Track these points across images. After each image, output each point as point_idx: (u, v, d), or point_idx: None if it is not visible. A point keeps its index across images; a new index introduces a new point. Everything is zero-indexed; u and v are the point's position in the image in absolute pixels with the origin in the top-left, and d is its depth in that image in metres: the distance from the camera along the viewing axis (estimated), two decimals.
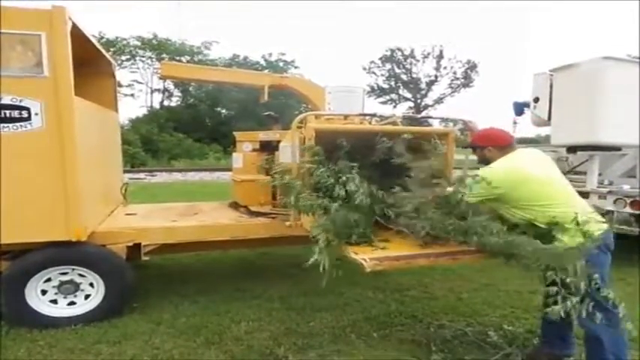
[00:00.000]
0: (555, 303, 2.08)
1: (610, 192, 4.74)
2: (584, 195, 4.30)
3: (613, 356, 2.34)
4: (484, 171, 2.53)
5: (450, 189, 2.66)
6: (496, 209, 2.59)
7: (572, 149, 5.17)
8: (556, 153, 5.61)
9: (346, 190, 2.68)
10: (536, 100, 5.22)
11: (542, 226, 2.38)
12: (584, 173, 5.17)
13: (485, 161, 2.68)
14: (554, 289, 2.09)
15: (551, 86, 5.02)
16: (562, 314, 2.06)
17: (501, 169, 2.50)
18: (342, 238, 2.50)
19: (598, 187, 4.94)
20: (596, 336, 2.35)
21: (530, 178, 2.43)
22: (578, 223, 2.29)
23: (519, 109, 5.86)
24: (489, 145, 2.67)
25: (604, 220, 2.48)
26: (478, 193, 2.49)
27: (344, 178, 2.72)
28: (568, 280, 2.08)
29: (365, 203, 2.61)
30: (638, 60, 4.72)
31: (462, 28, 57.62)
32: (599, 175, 5.13)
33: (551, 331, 2.80)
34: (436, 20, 66.21)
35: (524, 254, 2.17)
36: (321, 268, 2.27)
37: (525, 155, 2.64)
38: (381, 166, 3.07)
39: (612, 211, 4.64)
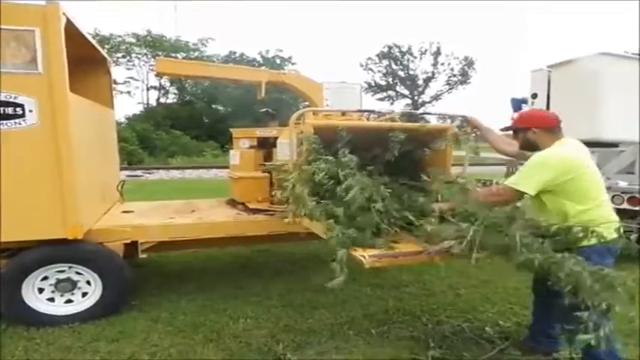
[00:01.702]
0: (585, 331, 1.86)
1: (609, 188, 4.74)
2: None
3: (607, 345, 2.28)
4: (540, 155, 2.30)
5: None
6: (535, 204, 2.39)
7: None
8: None
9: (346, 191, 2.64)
10: (534, 96, 5.22)
11: (577, 227, 2.20)
12: None
13: (529, 146, 2.45)
14: (585, 314, 1.86)
15: (548, 82, 5.02)
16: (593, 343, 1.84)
17: (560, 155, 2.27)
18: (360, 246, 2.38)
19: None
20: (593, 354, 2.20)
21: (587, 170, 2.27)
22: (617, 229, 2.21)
23: (517, 105, 5.86)
24: (534, 127, 2.41)
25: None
26: (536, 180, 2.24)
27: (350, 179, 2.64)
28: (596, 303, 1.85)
29: (382, 208, 2.48)
30: (635, 56, 4.73)
31: (459, 24, 57.58)
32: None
33: (539, 327, 2.80)
34: (433, 17, 66.24)
35: (566, 276, 1.93)
36: (336, 281, 2.19)
37: (577, 144, 2.43)
38: (383, 163, 3.07)
39: None
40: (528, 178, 2.29)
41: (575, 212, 2.26)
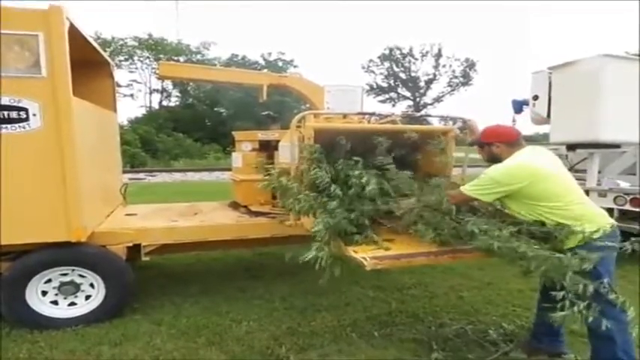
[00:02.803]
0: (561, 309, 2.02)
1: (610, 189, 4.74)
2: (584, 193, 4.29)
3: (625, 355, 2.31)
4: (496, 168, 2.47)
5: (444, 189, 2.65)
6: (505, 206, 2.56)
7: (571, 147, 5.16)
8: (556, 151, 5.60)
9: (345, 186, 2.67)
10: (536, 97, 5.20)
11: (551, 226, 2.34)
12: (584, 171, 5.17)
13: (492, 159, 2.63)
14: (561, 293, 2.04)
15: (550, 84, 5.01)
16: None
17: (514, 166, 2.44)
18: (342, 235, 2.48)
19: (597, 184, 4.94)
20: (609, 336, 2.26)
21: (545, 174, 2.39)
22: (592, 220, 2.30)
23: (518, 106, 5.85)
24: (497, 142, 2.61)
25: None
26: (490, 192, 2.44)
27: (350, 173, 2.72)
28: (571, 284, 2.02)
29: (374, 195, 2.62)
30: (636, 57, 4.72)
31: (461, 26, 57.59)
32: (599, 172, 5.13)
33: (542, 328, 2.80)
34: (435, 19, 66.27)
35: (525, 260, 2.13)
36: (317, 265, 2.26)
37: (536, 152, 2.59)
38: (381, 165, 3.07)
39: (612, 209, 4.65)
40: (486, 189, 2.46)
41: (542, 211, 2.38)
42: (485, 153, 2.71)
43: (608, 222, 2.39)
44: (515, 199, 2.45)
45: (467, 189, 2.52)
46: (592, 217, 2.37)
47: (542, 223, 2.38)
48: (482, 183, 2.48)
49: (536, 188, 2.37)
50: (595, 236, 2.27)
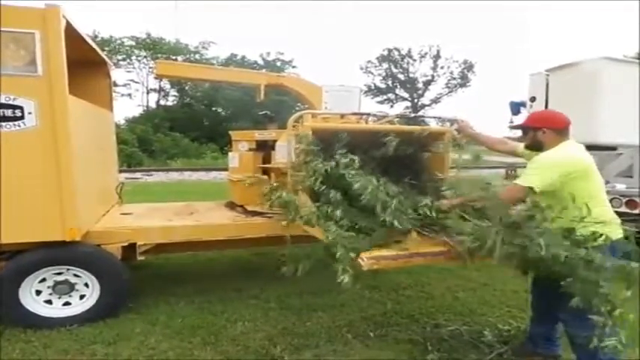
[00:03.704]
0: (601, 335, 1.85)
1: (607, 191, 4.75)
2: None
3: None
4: (548, 155, 2.35)
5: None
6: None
7: None
8: None
9: (344, 195, 2.62)
10: (533, 99, 5.23)
11: (580, 231, 2.20)
12: None
13: (537, 145, 2.49)
14: (601, 319, 1.87)
15: (547, 86, 5.03)
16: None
17: (566, 155, 2.33)
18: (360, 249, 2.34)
19: None
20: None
21: (591, 171, 2.32)
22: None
23: (516, 108, 5.87)
24: (545, 127, 2.45)
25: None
26: (543, 178, 2.28)
27: (345, 173, 2.64)
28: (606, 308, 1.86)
29: (373, 201, 2.46)
30: (634, 60, 4.74)
31: (459, 27, 57.76)
32: None
33: (538, 331, 2.80)
34: (433, 20, 66.41)
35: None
36: (341, 280, 2.17)
37: (580, 146, 2.48)
38: (381, 165, 3.07)
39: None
40: (536, 175, 2.32)
41: (580, 211, 2.25)
42: (530, 139, 2.55)
43: (620, 232, 2.35)
44: (553, 197, 2.31)
45: (519, 181, 2.36)
46: (612, 220, 2.33)
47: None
48: (533, 170, 2.34)
49: (581, 184, 2.27)
50: (614, 238, 2.24)
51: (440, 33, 67.38)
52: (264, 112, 5.09)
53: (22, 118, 2.82)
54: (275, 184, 2.96)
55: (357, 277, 2.24)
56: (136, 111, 30.63)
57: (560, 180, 2.28)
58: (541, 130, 2.47)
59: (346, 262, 2.22)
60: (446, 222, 2.45)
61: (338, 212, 2.54)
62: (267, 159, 4.43)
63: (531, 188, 2.29)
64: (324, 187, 2.71)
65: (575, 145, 2.47)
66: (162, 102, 31.27)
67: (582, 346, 2.18)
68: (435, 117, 3.82)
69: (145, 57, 29.17)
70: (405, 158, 3.27)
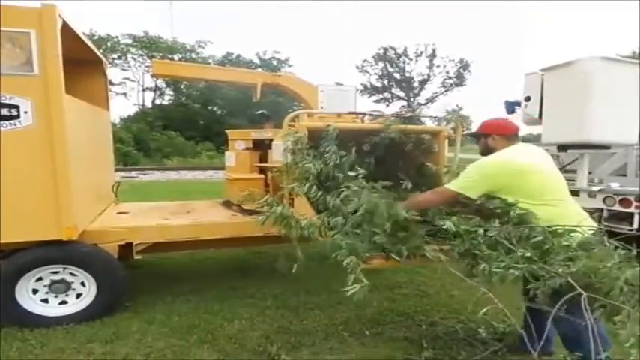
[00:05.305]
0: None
1: (600, 190, 4.79)
2: (575, 193, 4.34)
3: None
4: (482, 161, 2.46)
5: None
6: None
7: (562, 147, 5.22)
8: (547, 151, 5.64)
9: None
10: (528, 98, 5.25)
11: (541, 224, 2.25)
12: (575, 171, 5.22)
13: (488, 151, 2.62)
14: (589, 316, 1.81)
15: (542, 85, 5.06)
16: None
17: (500, 159, 2.44)
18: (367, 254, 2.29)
19: (588, 184, 5.00)
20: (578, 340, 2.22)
21: (535, 170, 2.38)
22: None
23: (510, 107, 5.90)
24: (494, 134, 2.60)
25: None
26: (475, 186, 2.40)
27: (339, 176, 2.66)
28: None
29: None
30: (628, 60, 4.78)
31: (455, 26, 57.88)
32: (589, 173, 5.19)
33: (531, 331, 2.81)
34: (429, 19, 66.48)
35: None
36: (359, 292, 2.09)
37: (527, 149, 2.59)
38: (378, 164, 3.09)
39: (601, 210, 4.71)
40: (471, 182, 2.42)
41: (524, 208, 2.33)
42: (482, 145, 2.69)
43: (590, 225, 2.35)
44: (508, 196, 2.39)
45: (451, 185, 2.48)
46: (572, 217, 2.30)
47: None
48: (467, 177, 2.44)
49: (525, 183, 2.35)
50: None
51: (436, 32, 67.52)
52: (260, 112, 5.11)
53: (18, 117, 2.82)
54: (269, 199, 2.84)
55: (370, 289, 2.15)
56: (132, 110, 30.57)
57: (498, 182, 2.38)
58: (491, 137, 2.61)
59: (357, 271, 2.13)
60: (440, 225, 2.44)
61: (339, 219, 2.48)
62: (263, 158, 4.44)
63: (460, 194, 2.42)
64: (320, 194, 2.69)
65: (519, 149, 2.54)
66: (157, 101, 31.21)
67: (571, 340, 2.29)
68: (430, 116, 3.85)
69: (142, 56, 29.09)
70: (401, 157, 3.30)
